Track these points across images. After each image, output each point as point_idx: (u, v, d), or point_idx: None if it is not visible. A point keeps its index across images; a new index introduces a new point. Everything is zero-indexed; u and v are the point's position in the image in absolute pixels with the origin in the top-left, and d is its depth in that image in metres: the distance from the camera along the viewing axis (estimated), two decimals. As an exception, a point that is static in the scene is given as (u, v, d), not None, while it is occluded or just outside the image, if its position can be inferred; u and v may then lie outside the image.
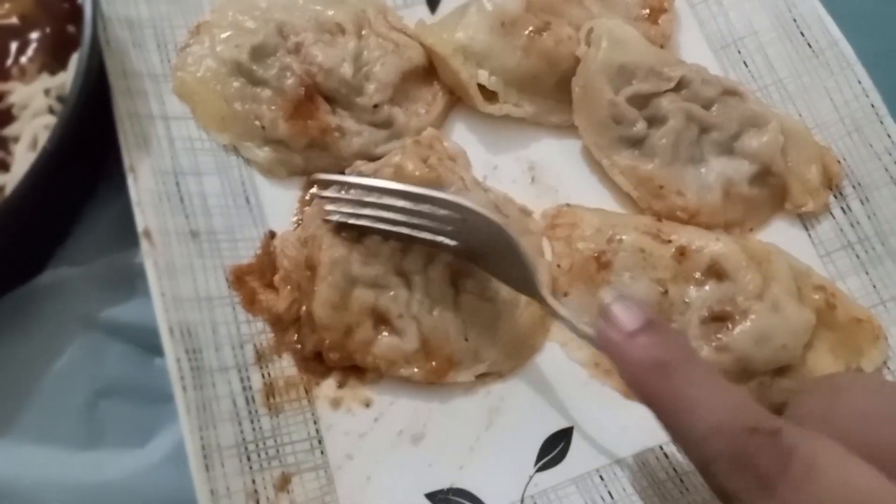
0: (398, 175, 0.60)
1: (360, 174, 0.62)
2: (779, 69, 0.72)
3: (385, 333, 0.58)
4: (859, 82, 0.68)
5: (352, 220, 0.58)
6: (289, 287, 0.59)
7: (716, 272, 0.61)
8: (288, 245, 0.60)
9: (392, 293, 0.58)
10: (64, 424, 0.55)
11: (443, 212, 0.55)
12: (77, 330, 0.57)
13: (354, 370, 0.59)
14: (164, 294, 0.54)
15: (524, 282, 0.56)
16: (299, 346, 0.59)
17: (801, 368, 0.59)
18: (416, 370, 0.58)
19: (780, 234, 0.68)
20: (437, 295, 0.59)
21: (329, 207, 0.59)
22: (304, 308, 0.58)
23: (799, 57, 0.71)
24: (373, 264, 0.58)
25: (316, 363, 0.58)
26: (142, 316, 0.57)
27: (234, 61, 0.64)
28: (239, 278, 0.59)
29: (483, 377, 0.60)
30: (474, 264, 0.58)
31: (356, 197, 0.58)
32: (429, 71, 0.69)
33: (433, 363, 0.58)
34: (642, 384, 0.46)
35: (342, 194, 0.59)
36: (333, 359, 0.57)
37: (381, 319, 0.58)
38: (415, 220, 0.57)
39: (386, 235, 0.58)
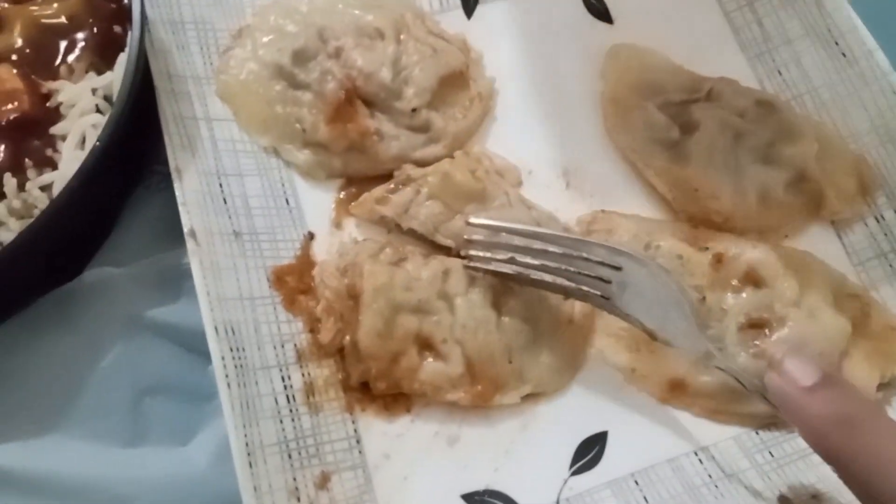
0: (445, 183, 0.61)
1: (409, 178, 0.63)
2: (814, 78, 0.72)
3: (430, 359, 0.58)
4: (894, 92, 0.68)
5: (498, 268, 0.58)
6: (332, 319, 0.58)
7: (753, 279, 0.61)
8: (328, 275, 0.60)
9: (436, 318, 0.58)
10: (109, 421, 0.56)
11: (596, 259, 0.56)
12: (122, 329, 0.58)
13: (401, 396, 0.59)
14: (210, 293, 0.55)
15: (680, 331, 0.56)
16: (344, 375, 0.58)
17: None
18: (462, 394, 0.58)
19: (813, 242, 0.68)
20: (480, 317, 0.59)
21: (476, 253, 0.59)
22: (348, 338, 0.58)
23: (834, 66, 0.71)
24: (415, 289, 0.58)
25: (362, 392, 0.58)
26: (185, 316, 0.58)
27: (276, 65, 0.65)
28: (279, 278, 0.60)
29: (527, 398, 0.60)
30: (612, 311, 0.57)
31: (507, 242, 0.58)
32: (465, 75, 0.70)
33: (479, 387, 0.58)
34: (825, 439, 0.45)
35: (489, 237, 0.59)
36: (380, 387, 0.57)
37: (425, 345, 0.58)
38: (564, 267, 0.57)
39: (532, 284, 0.59)
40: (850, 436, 0.44)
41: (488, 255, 0.59)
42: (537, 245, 0.57)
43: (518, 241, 0.58)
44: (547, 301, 0.61)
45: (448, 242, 0.63)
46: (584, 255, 0.56)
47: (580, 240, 0.58)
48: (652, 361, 0.62)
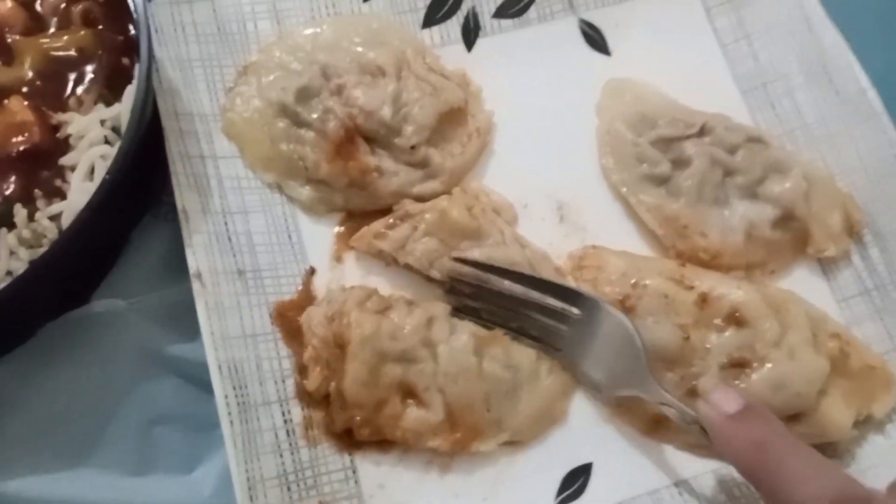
0: (442, 220, 0.63)
1: (407, 213, 0.65)
2: (805, 114, 0.74)
3: (412, 406, 0.60)
4: (885, 132, 0.70)
5: (470, 302, 0.63)
6: (319, 367, 0.60)
7: (736, 319, 0.63)
8: (315, 323, 0.61)
9: (419, 366, 0.60)
10: (117, 450, 0.59)
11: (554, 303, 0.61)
12: (131, 360, 0.61)
13: (384, 442, 0.60)
14: (214, 333, 0.58)
15: (626, 372, 0.60)
16: (329, 420, 0.60)
17: (814, 415, 0.62)
18: (441, 441, 0.59)
19: (799, 279, 0.70)
20: (462, 365, 0.60)
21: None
22: (333, 385, 0.60)
23: (826, 103, 0.73)
24: (400, 338, 0.60)
25: (346, 438, 0.60)
26: (191, 349, 0.61)
27: (280, 103, 0.67)
28: (281, 314, 0.62)
29: (505, 445, 0.62)
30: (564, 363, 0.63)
31: (477, 281, 0.63)
32: (464, 111, 0.72)
33: (458, 434, 0.60)
34: (743, 460, 0.53)
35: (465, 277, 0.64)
36: (364, 434, 0.59)
37: (408, 392, 0.60)
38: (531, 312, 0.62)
39: (500, 324, 0.63)
40: (764, 456, 0.52)
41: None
42: (504, 284, 0.62)
43: (486, 279, 0.62)
44: (526, 351, 0.63)
45: (441, 277, 0.65)
46: (542, 299, 0.61)
47: (542, 280, 0.62)
48: (636, 397, 0.64)
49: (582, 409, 0.65)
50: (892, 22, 0.84)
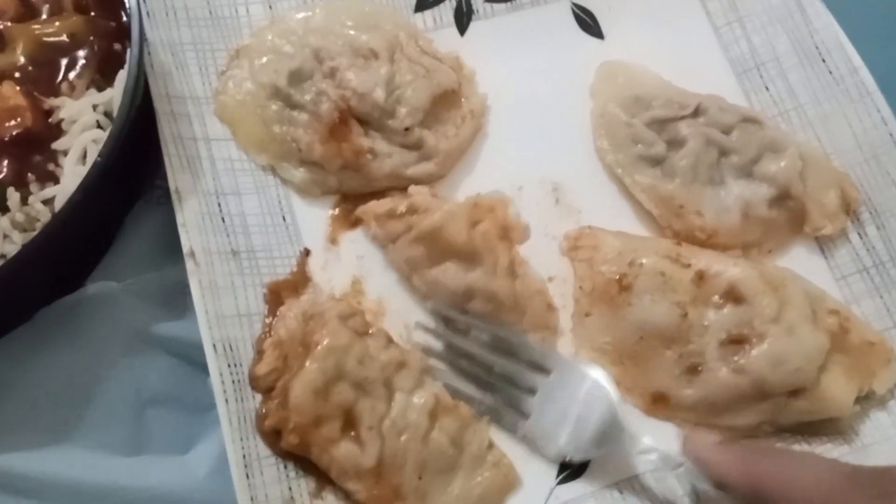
0: (437, 232, 0.62)
1: (412, 208, 0.64)
2: (799, 95, 0.74)
3: (349, 440, 0.57)
4: (878, 111, 0.70)
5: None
6: (276, 354, 0.58)
7: (733, 296, 0.63)
8: (290, 316, 0.60)
9: (371, 402, 0.57)
10: (111, 432, 0.59)
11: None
12: (125, 341, 0.61)
13: (305, 462, 0.57)
14: (208, 312, 0.57)
15: (601, 432, 0.58)
16: (261, 414, 0.57)
17: (814, 390, 0.61)
18: (361, 489, 0.56)
19: (797, 258, 0.70)
20: (411, 422, 0.58)
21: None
22: (281, 381, 0.57)
23: (819, 83, 0.73)
24: (366, 366, 0.58)
25: (272, 438, 0.57)
26: (185, 329, 0.61)
27: (273, 85, 0.67)
28: (274, 292, 0.62)
29: None
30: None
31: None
32: (457, 93, 0.72)
33: (378, 489, 0.56)
34: (735, 470, 0.53)
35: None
36: (291, 442, 0.56)
37: (350, 423, 0.57)
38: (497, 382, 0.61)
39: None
40: (757, 462, 0.52)
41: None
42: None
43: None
44: (480, 434, 0.60)
45: (421, 288, 0.64)
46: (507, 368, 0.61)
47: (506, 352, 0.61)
48: (636, 375, 0.64)
49: (580, 390, 0.64)
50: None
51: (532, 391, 0.60)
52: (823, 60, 0.73)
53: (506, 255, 0.64)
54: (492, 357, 0.61)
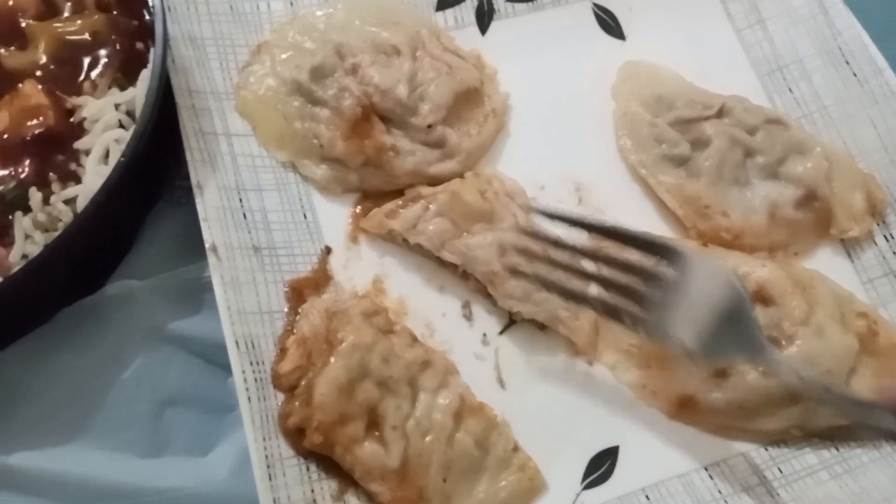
0: (454, 202, 0.62)
1: (419, 195, 0.64)
2: (823, 96, 0.73)
3: (373, 440, 0.55)
4: (901, 111, 0.69)
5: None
6: (300, 351, 0.57)
7: (762, 297, 0.62)
8: (314, 312, 0.59)
9: (396, 402, 0.56)
10: (130, 432, 0.57)
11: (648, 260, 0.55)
12: (143, 341, 0.60)
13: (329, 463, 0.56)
14: (230, 308, 0.56)
15: (731, 335, 0.53)
16: (284, 413, 0.56)
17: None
18: (385, 490, 0.54)
19: (823, 261, 0.69)
20: (436, 422, 0.56)
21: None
22: (305, 379, 0.56)
23: (843, 85, 0.73)
24: (391, 365, 0.57)
25: (296, 437, 0.55)
26: (205, 329, 0.60)
27: (294, 81, 0.66)
28: (296, 289, 0.61)
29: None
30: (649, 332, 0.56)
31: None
32: (480, 92, 0.71)
33: (402, 491, 0.55)
34: None
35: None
36: (314, 441, 0.54)
37: (374, 423, 0.56)
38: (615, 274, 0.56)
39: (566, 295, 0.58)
40: None
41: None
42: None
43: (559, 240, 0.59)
44: (505, 437, 0.59)
45: (453, 259, 0.63)
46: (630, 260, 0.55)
47: (630, 234, 0.56)
48: (662, 378, 0.63)
49: (606, 392, 0.63)
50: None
51: (658, 284, 0.55)
52: (847, 62, 0.73)
53: (521, 212, 0.65)
54: (613, 248, 0.57)
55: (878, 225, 0.69)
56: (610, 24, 0.77)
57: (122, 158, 0.56)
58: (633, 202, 0.70)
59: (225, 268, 0.57)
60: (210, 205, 0.59)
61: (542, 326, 0.64)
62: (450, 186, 0.65)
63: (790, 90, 0.75)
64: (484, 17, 0.75)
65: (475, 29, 0.75)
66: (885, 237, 0.69)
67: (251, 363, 0.55)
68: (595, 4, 0.77)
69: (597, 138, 0.72)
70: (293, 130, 0.66)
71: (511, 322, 0.64)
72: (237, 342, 0.55)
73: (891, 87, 0.70)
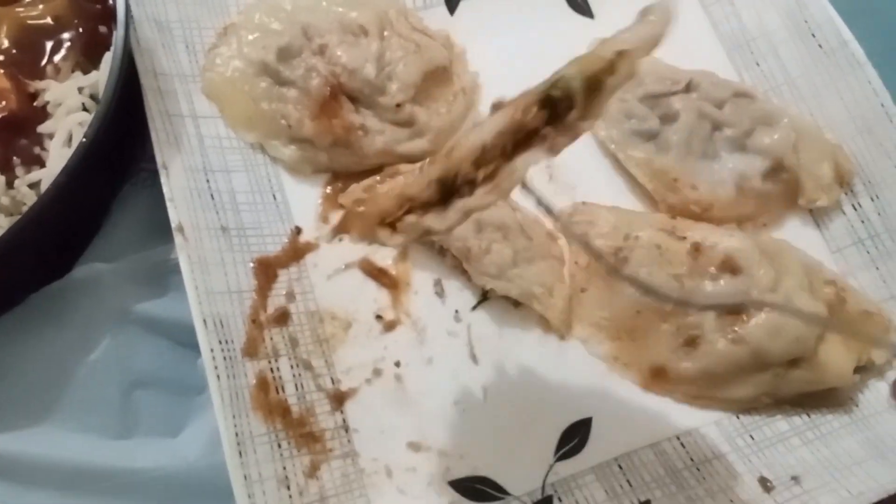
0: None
1: (397, 172, 0.64)
2: (791, 69, 0.74)
3: None
4: (869, 82, 0.70)
5: None
6: None
7: (730, 267, 0.62)
8: None
9: None
10: (98, 414, 0.57)
11: None
12: (111, 323, 0.59)
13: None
14: (198, 287, 0.56)
15: None
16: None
17: (813, 360, 0.61)
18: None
19: (792, 231, 0.69)
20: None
21: None
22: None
23: (811, 57, 0.73)
24: None
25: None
26: (173, 311, 0.59)
27: (261, 62, 0.66)
28: (263, 265, 0.60)
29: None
30: None
31: None
32: (448, 71, 0.71)
33: None
34: None
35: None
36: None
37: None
38: None
39: None
40: None
41: None
42: None
43: None
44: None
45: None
46: None
47: None
48: (634, 349, 0.63)
49: (579, 366, 0.63)
50: None
51: None
52: (813, 35, 0.73)
53: None
54: None
55: (845, 194, 0.70)
56: (578, 2, 0.77)
57: (83, 140, 0.55)
58: (603, 178, 0.70)
59: (192, 248, 0.57)
60: (176, 185, 0.59)
61: (515, 303, 0.64)
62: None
63: (758, 64, 0.75)
64: (453, -4, 0.75)
65: (444, 9, 0.75)
66: (853, 206, 0.70)
67: (220, 342, 0.55)
68: (564, -18, 0.77)
69: (567, 115, 0.72)
70: (261, 111, 0.65)
71: (484, 298, 0.64)
72: (205, 321, 0.55)
73: (857, 59, 0.70)
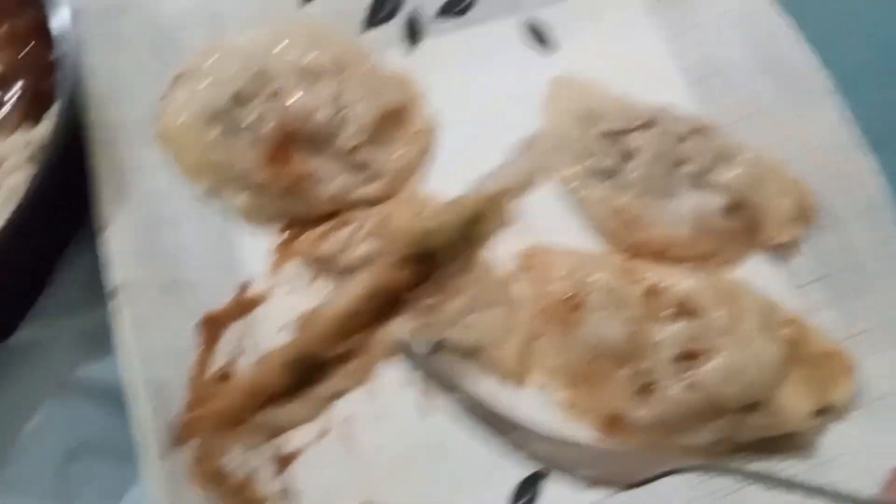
0: (386, 224, 0.61)
1: (351, 219, 0.63)
2: (755, 101, 0.72)
3: None
4: (835, 113, 0.68)
5: None
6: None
7: (685, 310, 0.61)
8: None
9: None
10: (38, 483, 0.56)
11: None
12: (51, 389, 0.58)
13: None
14: (134, 350, 0.55)
15: None
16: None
17: (771, 404, 0.60)
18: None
19: (755, 268, 0.68)
20: None
21: None
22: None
23: (775, 88, 0.72)
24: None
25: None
26: (115, 374, 0.58)
27: (214, 109, 0.65)
28: (209, 322, 0.60)
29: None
30: None
31: None
32: (406, 111, 0.70)
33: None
34: None
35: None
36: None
37: None
38: None
39: None
40: None
41: None
42: None
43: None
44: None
45: None
46: None
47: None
48: (590, 396, 0.62)
49: (535, 413, 0.62)
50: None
51: None
52: (777, 66, 0.72)
53: None
54: None
55: (809, 230, 0.68)
56: (541, 39, 0.76)
57: (22, 200, 0.55)
58: (562, 218, 0.69)
59: (131, 308, 0.56)
60: (117, 243, 0.58)
61: (469, 352, 0.63)
62: (383, 209, 0.65)
63: (721, 96, 0.74)
64: (412, 36, 0.75)
65: (403, 48, 0.75)
66: (816, 242, 0.68)
67: (155, 408, 0.54)
68: (525, 20, 0.77)
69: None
70: (213, 159, 0.65)
71: (440, 347, 0.64)
72: (140, 386, 0.54)
73: (823, 89, 0.69)
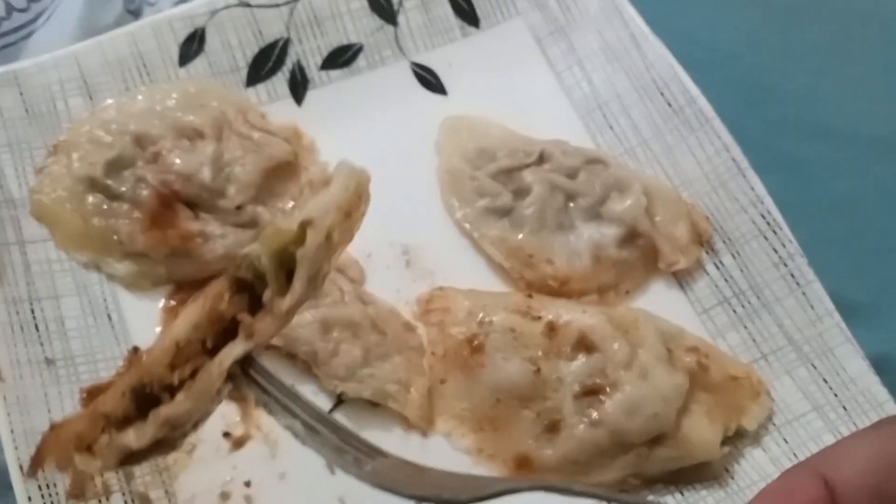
0: None
1: None
2: (642, 130, 0.73)
3: None
4: (719, 137, 0.69)
5: None
6: None
7: (585, 345, 0.60)
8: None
9: None
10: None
11: None
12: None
13: None
14: (14, 430, 0.53)
15: None
16: None
17: (677, 435, 0.59)
18: None
19: (657, 295, 0.68)
20: None
21: None
22: None
23: (661, 116, 0.72)
24: None
25: None
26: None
27: (89, 178, 0.64)
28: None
29: None
30: None
31: None
32: (294, 164, 0.69)
33: None
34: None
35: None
36: None
37: None
38: None
39: None
40: None
41: None
42: None
43: None
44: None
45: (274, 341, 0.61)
46: None
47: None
48: (497, 440, 0.61)
49: (445, 462, 0.60)
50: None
51: None
52: (662, 93, 0.72)
53: (350, 286, 0.64)
54: None
55: (706, 254, 0.69)
56: (430, 80, 0.76)
57: None
58: (461, 259, 0.69)
59: (9, 387, 0.54)
60: (-7, 321, 0.56)
61: (373, 403, 0.62)
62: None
63: (611, 127, 0.74)
64: (298, 88, 0.74)
65: (290, 101, 0.74)
66: (716, 265, 0.68)
67: (40, 487, 0.52)
68: (413, 63, 0.77)
69: (423, 198, 0.71)
70: (92, 229, 0.63)
71: (339, 402, 0.62)
72: (22, 466, 0.52)
73: (705, 115, 0.70)
